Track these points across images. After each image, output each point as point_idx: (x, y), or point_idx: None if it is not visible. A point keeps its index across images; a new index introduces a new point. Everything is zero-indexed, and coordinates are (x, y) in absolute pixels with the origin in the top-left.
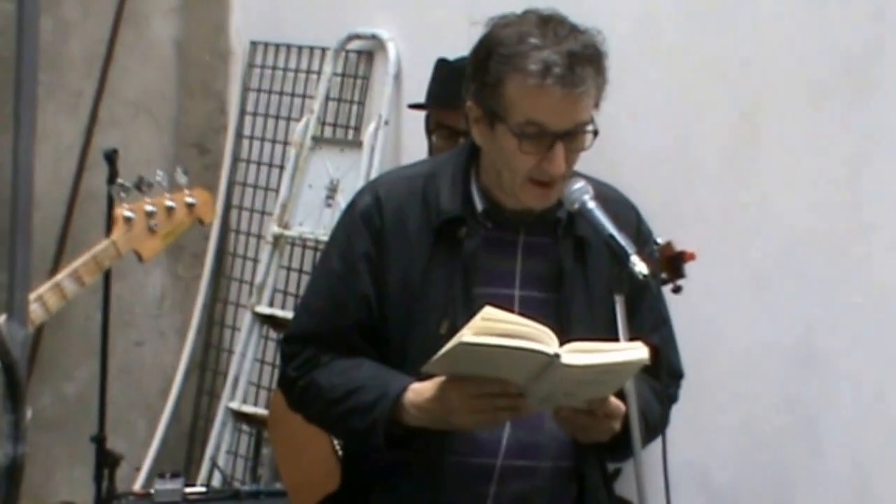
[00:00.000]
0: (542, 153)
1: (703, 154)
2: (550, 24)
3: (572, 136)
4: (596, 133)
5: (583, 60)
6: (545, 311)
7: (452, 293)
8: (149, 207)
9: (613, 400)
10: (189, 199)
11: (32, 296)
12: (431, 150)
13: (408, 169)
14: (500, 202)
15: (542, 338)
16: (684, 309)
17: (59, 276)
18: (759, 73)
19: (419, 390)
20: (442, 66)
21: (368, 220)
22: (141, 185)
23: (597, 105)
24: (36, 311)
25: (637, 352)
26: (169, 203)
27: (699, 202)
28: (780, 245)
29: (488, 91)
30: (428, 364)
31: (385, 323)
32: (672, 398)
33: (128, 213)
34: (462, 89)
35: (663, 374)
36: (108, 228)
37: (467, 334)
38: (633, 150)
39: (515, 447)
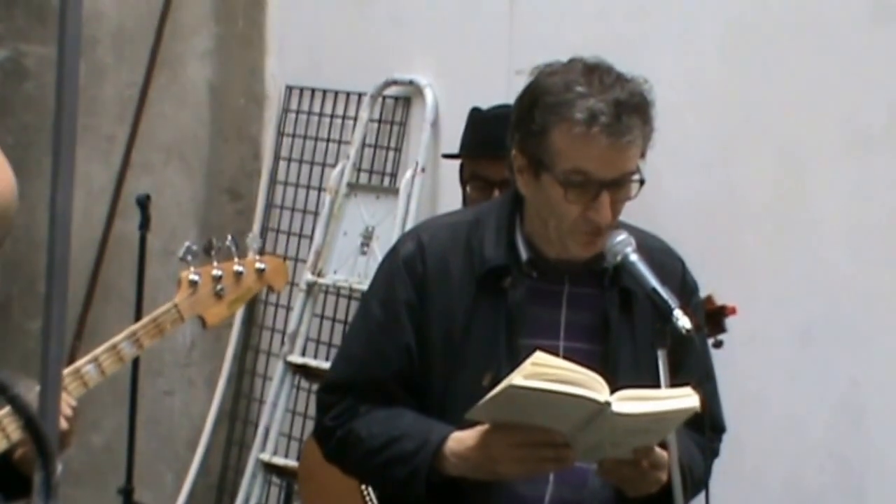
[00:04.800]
0: (588, 202)
1: (747, 206)
2: (596, 72)
3: (618, 186)
4: (642, 182)
5: (629, 109)
6: (590, 363)
7: (496, 344)
8: (216, 272)
9: (658, 450)
10: (259, 265)
11: (88, 357)
12: (466, 200)
13: (451, 216)
14: (545, 252)
15: (592, 385)
16: (727, 363)
17: (118, 338)
18: (805, 123)
19: (461, 439)
20: (475, 115)
21: (411, 266)
22: (209, 249)
23: (643, 155)
24: (90, 373)
25: (688, 400)
26: (237, 268)
27: (742, 255)
28: (825, 299)
29: (534, 140)
30: (473, 410)
31: (426, 373)
32: (714, 452)
33: (193, 277)
34: (500, 141)
35: (707, 429)
36: (140, 275)
37: (518, 378)
38: (675, 201)
39: None
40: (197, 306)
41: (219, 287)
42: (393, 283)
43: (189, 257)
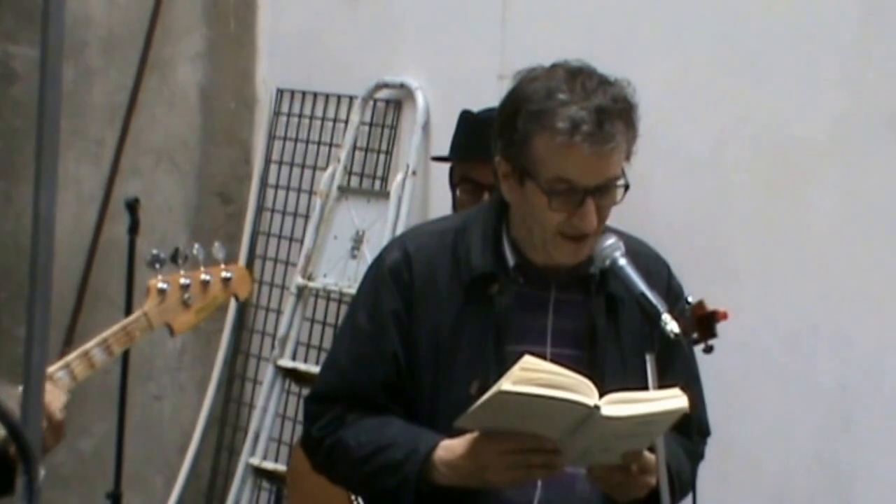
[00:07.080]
0: (572, 209)
1: (737, 210)
2: (579, 77)
3: (603, 192)
4: (627, 187)
5: (612, 115)
6: (577, 369)
7: (484, 351)
8: (183, 280)
9: (647, 454)
10: (225, 274)
11: (60, 363)
12: (455, 203)
13: (437, 223)
14: (531, 258)
15: (581, 389)
16: (716, 368)
17: (89, 345)
18: (794, 127)
19: (450, 447)
20: (466, 117)
21: (397, 275)
22: (176, 258)
23: (628, 158)
24: (62, 379)
25: (676, 401)
26: (204, 277)
27: (732, 259)
28: (814, 304)
29: (517, 147)
30: (462, 418)
31: (413, 382)
32: (700, 456)
33: (161, 285)
34: (490, 144)
35: (694, 433)
36: (129, 280)
37: (507, 383)
38: (665, 205)
39: None
40: (165, 314)
41: (186, 296)
42: (379, 291)
43: (157, 265)
